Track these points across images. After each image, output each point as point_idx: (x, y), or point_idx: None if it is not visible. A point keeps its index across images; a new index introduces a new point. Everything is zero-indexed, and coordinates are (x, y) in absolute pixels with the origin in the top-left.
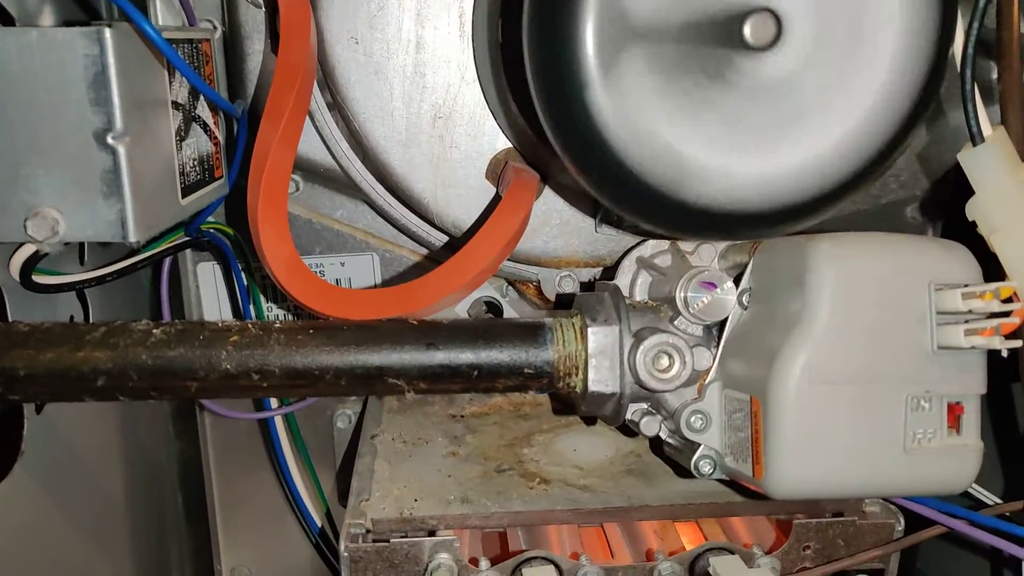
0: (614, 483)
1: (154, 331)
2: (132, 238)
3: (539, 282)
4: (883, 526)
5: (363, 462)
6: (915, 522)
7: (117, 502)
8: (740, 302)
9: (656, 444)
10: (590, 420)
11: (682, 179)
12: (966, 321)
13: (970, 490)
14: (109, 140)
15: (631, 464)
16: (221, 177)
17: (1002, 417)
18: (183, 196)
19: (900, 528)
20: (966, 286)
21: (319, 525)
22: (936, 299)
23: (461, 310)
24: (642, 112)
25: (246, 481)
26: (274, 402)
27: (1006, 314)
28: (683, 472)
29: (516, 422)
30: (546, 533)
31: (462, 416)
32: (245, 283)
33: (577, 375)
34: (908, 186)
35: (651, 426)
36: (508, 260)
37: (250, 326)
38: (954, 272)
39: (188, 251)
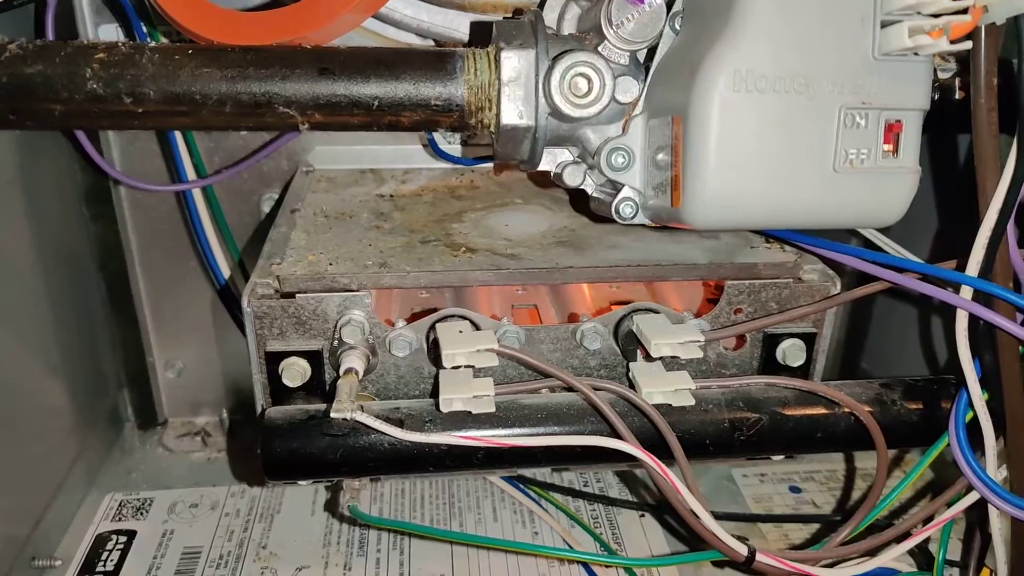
0: (543, 252)
1: (9, 46)
2: None
3: None
4: (819, 289)
5: (279, 231)
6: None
7: (34, 289)
8: (672, 26)
9: (584, 202)
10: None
11: None
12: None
13: (896, 254)
14: None
15: (564, 237)
16: None
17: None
18: None
19: (837, 292)
20: None
21: None
22: None
23: None
24: None
25: (172, 269)
26: (190, 174)
27: (962, 12)
28: (604, 220)
29: (449, 202)
30: (477, 308)
31: (392, 196)
32: None
33: (490, 109)
34: None
35: (575, 175)
36: (434, 6)
37: (120, 45)
38: None
39: (85, 8)
